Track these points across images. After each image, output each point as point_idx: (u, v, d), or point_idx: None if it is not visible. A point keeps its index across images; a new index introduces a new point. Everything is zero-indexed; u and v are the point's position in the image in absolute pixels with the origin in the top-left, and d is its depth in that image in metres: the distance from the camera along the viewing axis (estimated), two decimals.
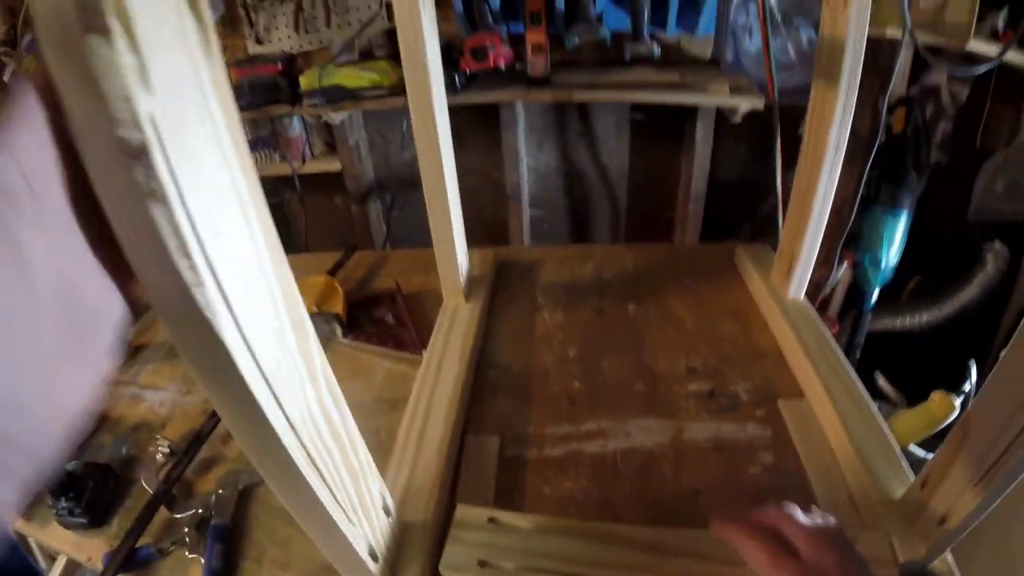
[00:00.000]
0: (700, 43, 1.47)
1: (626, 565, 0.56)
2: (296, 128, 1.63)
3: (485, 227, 1.71)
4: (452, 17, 1.38)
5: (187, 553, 0.67)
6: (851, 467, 0.67)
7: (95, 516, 0.71)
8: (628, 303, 1.01)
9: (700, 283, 1.06)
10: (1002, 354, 0.47)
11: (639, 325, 0.96)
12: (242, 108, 1.45)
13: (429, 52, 0.75)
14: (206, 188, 0.29)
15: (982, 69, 1.17)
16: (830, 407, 0.73)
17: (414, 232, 1.85)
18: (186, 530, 0.68)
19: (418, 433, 0.72)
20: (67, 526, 0.71)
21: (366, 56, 1.47)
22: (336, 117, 1.51)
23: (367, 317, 1.06)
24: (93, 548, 0.69)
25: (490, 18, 1.33)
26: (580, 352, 0.90)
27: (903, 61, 1.39)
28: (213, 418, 0.83)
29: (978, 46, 1.18)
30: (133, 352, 0.99)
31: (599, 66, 1.47)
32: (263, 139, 1.68)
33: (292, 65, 1.52)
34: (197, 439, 0.80)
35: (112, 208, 0.27)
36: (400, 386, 0.87)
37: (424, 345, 0.90)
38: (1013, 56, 1.18)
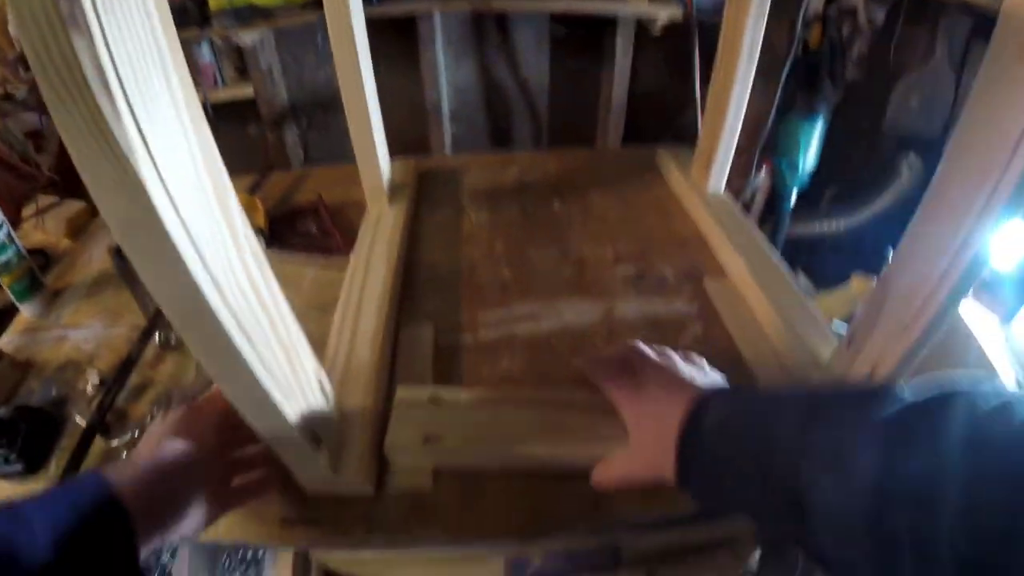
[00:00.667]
0: None
1: (567, 426, 0.58)
2: (206, 55, 1.51)
3: (404, 146, 1.67)
4: None
5: None
6: (779, 336, 0.71)
7: (31, 460, 0.66)
8: (553, 201, 1.02)
9: (623, 182, 1.08)
10: (916, 214, 0.50)
11: (564, 220, 0.97)
12: None
13: None
14: (127, 30, 0.28)
15: None
16: (754, 284, 0.77)
17: (332, 156, 1.77)
18: (124, 455, 0.65)
19: (351, 328, 0.71)
20: (3, 476, 0.66)
21: None
22: (247, 38, 1.40)
23: (290, 231, 1.03)
24: None
25: None
26: (507, 246, 0.90)
27: None
28: (140, 342, 0.80)
29: None
30: (52, 296, 0.92)
31: None
32: None
33: None
34: (125, 365, 0.76)
35: (33, 44, 0.25)
36: (328, 292, 0.85)
37: (350, 251, 0.87)
38: None
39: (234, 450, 0.53)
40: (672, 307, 0.79)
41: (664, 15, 1.37)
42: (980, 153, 0.43)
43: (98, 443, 0.67)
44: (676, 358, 0.56)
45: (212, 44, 1.50)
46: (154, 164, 0.30)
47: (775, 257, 0.81)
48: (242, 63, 1.57)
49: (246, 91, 1.60)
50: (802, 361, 0.66)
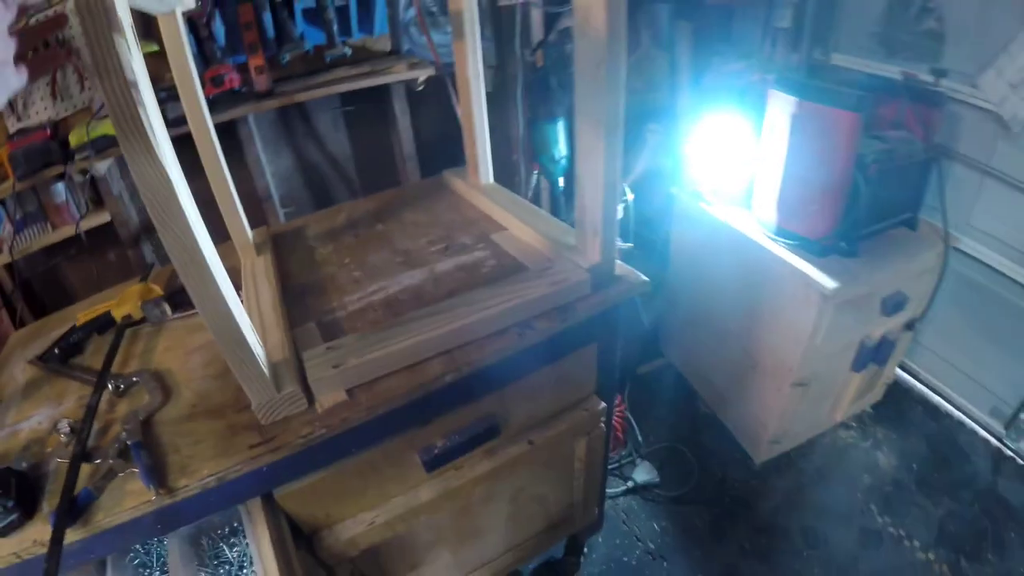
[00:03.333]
0: (378, 40, 1.84)
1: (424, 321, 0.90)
2: (62, 193, 1.64)
3: None
4: None
5: (120, 474, 0.78)
6: (544, 245, 1.10)
7: (27, 505, 0.75)
8: (376, 225, 1.33)
9: (425, 200, 1.43)
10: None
11: (388, 233, 1.29)
12: (21, 177, 1.49)
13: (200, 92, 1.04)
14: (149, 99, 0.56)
15: None
16: (523, 225, 1.16)
17: None
18: (111, 462, 0.78)
19: (260, 328, 0.97)
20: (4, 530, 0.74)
21: None
22: (101, 167, 1.57)
23: (186, 299, 1.20)
24: (36, 533, 0.74)
25: (218, 53, 1.57)
26: (352, 258, 1.20)
27: (537, 17, 1.85)
28: (96, 395, 0.90)
29: None
30: None
31: (309, 74, 1.76)
32: (31, 215, 1.67)
33: (57, 129, 1.59)
34: (89, 411, 0.86)
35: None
36: None
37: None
38: None
39: None
40: (473, 256, 1.15)
41: (423, 75, 1.77)
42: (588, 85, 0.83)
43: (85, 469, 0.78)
44: None
45: (66, 183, 1.64)
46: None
47: (538, 209, 1.21)
48: (96, 194, 1.72)
49: (103, 217, 1.73)
50: (560, 250, 1.05)
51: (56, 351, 1.07)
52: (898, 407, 1.98)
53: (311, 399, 0.85)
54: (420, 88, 1.76)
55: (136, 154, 0.59)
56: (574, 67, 0.87)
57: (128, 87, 0.57)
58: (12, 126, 1.56)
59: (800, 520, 1.71)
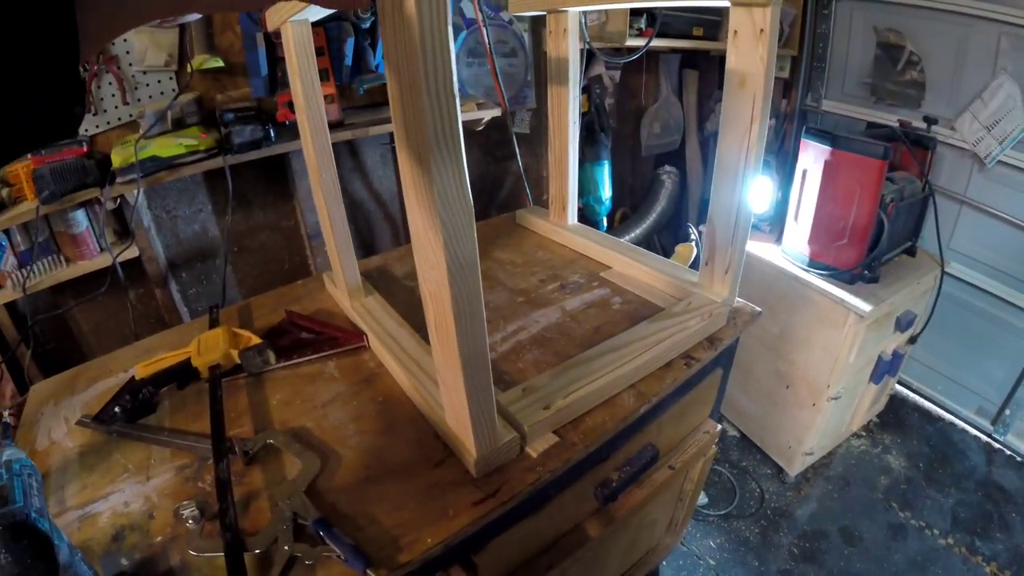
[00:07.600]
0: None
1: (607, 357, 0.88)
2: (82, 222, 1.38)
3: (283, 276, 1.78)
4: (242, 84, 1.47)
5: (307, 562, 0.65)
6: (665, 284, 1.10)
7: None
8: None
9: (506, 240, 1.40)
10: (712, 186, 0.92)
11: (490, 272, 1.24)
12: (47, 200, 1.25)
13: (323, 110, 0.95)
14: None
15: (632, 58, 1.59)
16: (632, 263, 1.15)
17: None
18: (287, 547, 0.65)
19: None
20: None
21: (178, 125, 1.40)
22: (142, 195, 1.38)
23: (280, 345, 1.04)
24: None
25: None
26: None
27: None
28: (220, 462, 0.75)
29: (632, 42, 1.69)
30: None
31: (372, 106, 1.66)
32: (42, 246, 1.37)
33: (93, 145, 1.36)
34: (223, 486, 0.71)
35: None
36: (355, 371, 0.96)
37: (359, 336, 1.03)
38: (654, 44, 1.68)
39: None
40: (594, 294, 1.13)
41: (487, 115, 1.71)
42: (734, 140, 0.87)
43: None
44: None
45: (87, 210, 1.41)
46: None
47: (633, 247, 1.21)
48: (120, 225, 1.50)
49: (131, 252, 1.51)
50: (685, 288, 1.05)
51: (117, 409, 0.90)
52: (897, 415, 2.14)
53: (522, 445, 0.79)
54: (479, 128, 1.74)
55: (446, 172, 0.55)
56: (720, 122, 0.90)
57: (454, 96, 0.52)
58: None
59: (836, 522, 1.78)
